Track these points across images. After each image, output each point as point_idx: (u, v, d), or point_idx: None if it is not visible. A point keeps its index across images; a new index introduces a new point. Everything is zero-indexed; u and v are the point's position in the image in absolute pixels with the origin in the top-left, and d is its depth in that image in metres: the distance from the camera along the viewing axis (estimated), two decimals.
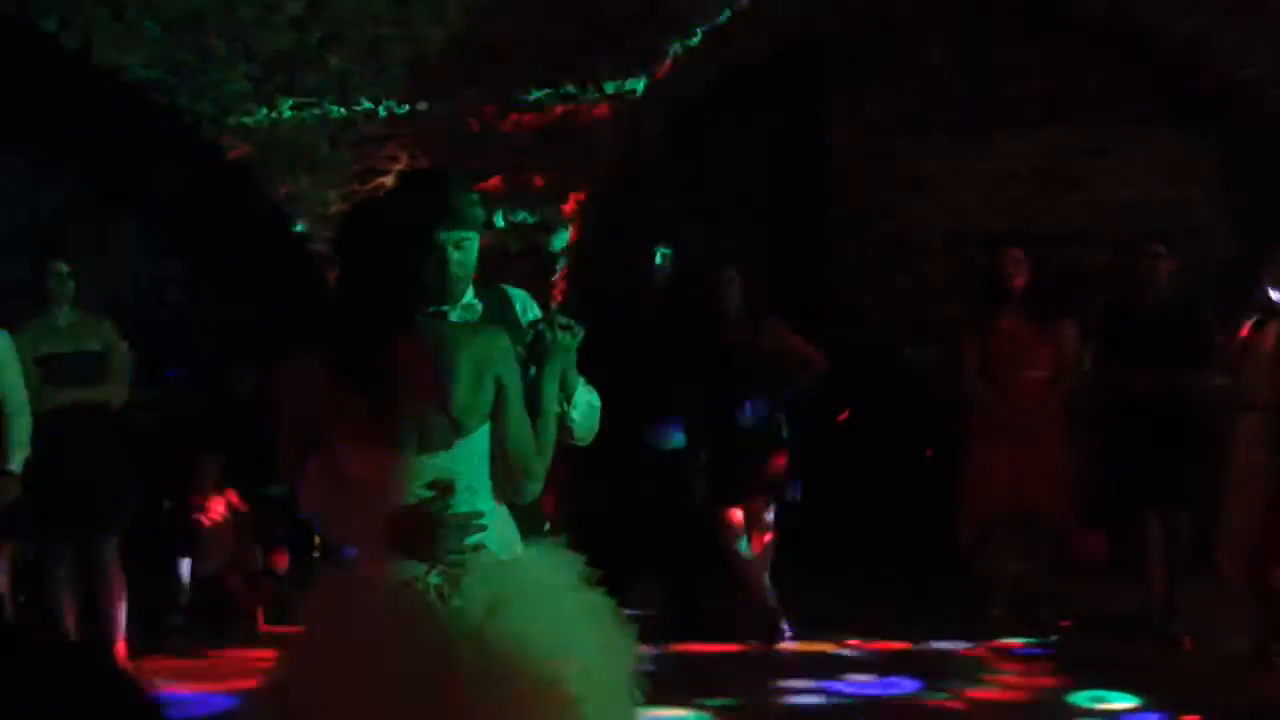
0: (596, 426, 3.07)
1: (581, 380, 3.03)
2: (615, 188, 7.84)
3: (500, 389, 2.68)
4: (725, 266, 6.33)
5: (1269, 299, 5.56)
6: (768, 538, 6.33)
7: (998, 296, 6.40)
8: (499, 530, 2.71)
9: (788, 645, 6.05)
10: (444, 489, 2.65)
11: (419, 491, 2.64)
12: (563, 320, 2.87)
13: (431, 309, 2.86)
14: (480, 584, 2.61)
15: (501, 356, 2.69)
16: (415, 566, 2.61)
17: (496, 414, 2.69)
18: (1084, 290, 7.56)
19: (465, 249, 2.90)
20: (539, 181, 7.05)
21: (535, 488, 2.78)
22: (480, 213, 2.95)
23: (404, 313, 2.67)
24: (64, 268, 5.61)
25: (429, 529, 2.62)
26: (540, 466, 2.77)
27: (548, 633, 2.63)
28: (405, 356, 2.63)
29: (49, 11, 6.03)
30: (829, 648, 6.09)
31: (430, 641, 2.54)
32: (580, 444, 3.08)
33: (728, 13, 6.97)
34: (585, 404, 3.03)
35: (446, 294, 2.91)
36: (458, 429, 2.65)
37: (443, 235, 2.86)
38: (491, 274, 6.66)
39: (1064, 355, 6.35)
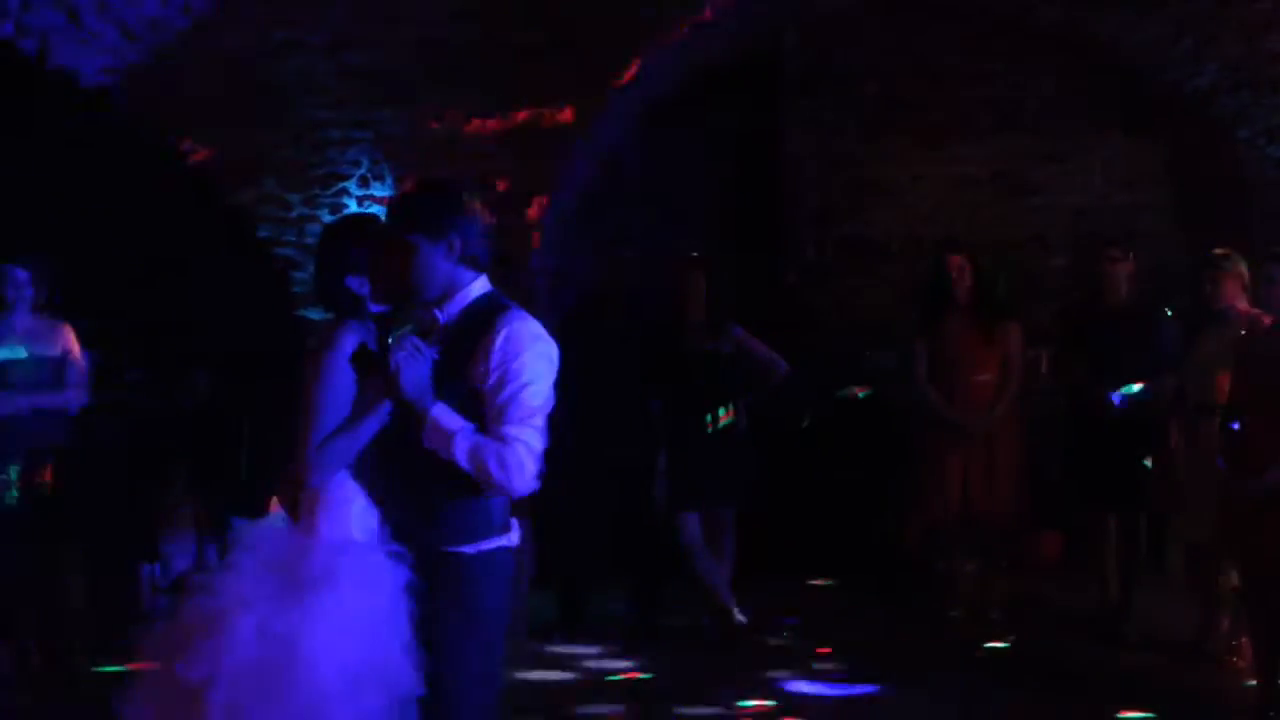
0: (503, 478, 2.93)
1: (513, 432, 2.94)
2: (577, 195, 7.87)
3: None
4: (689, 269, 6.35)
5: (1212, 304, 5.66)
6: (727, 540, 6.37)
7: (943, 302, 6.48)
8: (329, 508, 2.98)
9: (748, 647, 6.08)
10: None
11: None
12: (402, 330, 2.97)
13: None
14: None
15: (306, 355, 3.09)
16: None
17: None
18: (1040, 294, 7.69)
19: (398, 252, 3.00)
20: (502, 186, 7.07)
21: (306, 481, 3.00)
22: (409, 215, 3.03)
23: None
24: (21, 274, 5.57)
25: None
26: (305, 465, 3.00)
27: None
28: None
29: (5, 15, 5.97)
30: (788, 649, 6.14)
31: None
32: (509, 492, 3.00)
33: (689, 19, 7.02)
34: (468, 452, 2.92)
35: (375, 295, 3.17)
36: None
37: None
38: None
39: (1011, 358, 6.43)
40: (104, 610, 5.70)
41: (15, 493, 5.49)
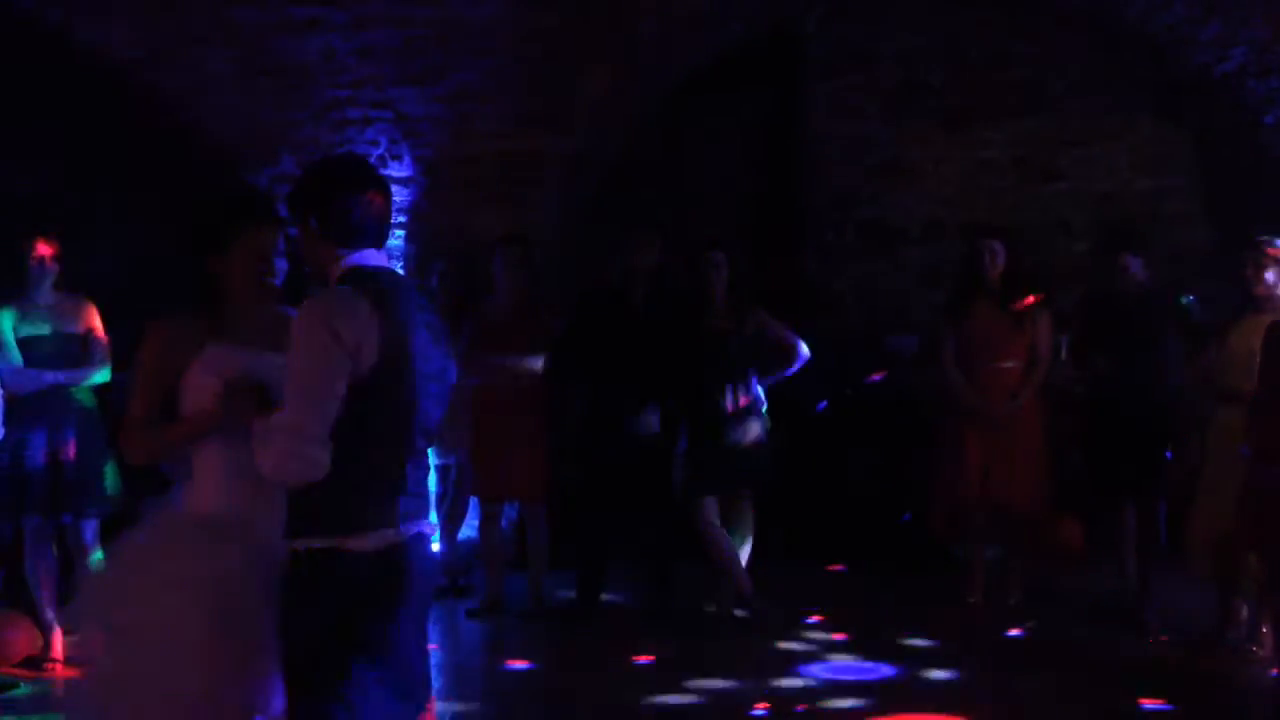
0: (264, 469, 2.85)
1: None
2: (598, 175, 7.85)
3: None
4: (712, 252, 6.32)
5: (1251, 289, 5.60)
6: (746, 524, 6.35)
7: (974, 286, 6.44)
8: (191, 483, 3.15)
9: (765, 631, 6.07)
10: None
11: None
12: None
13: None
14: None
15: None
16: None
17: None
18: (1062, 280, 7.63)
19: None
20: (520, 165, 7.06)
21: (128, 458, 3.27)
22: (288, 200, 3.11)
23: None
24: (45, 251, 5.57)
25: None
26: (124, 443, 3.23)
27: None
28: None
29: None
30: (807, 633, 6.12)
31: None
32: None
33: None
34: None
35: None
36: None
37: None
38: (477, 255, 6.70)
39: (1038, 345, 6.39)
40: None
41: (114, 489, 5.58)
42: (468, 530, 6.89)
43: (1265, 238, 5.62)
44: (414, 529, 2.92)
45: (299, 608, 2.83)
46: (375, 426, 2.84)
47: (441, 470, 6.67)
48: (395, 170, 7.05)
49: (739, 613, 6.17)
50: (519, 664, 5.78)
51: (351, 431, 2.80)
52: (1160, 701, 5.04)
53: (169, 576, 3.00)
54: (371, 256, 2.96)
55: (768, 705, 5.03)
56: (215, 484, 3.09)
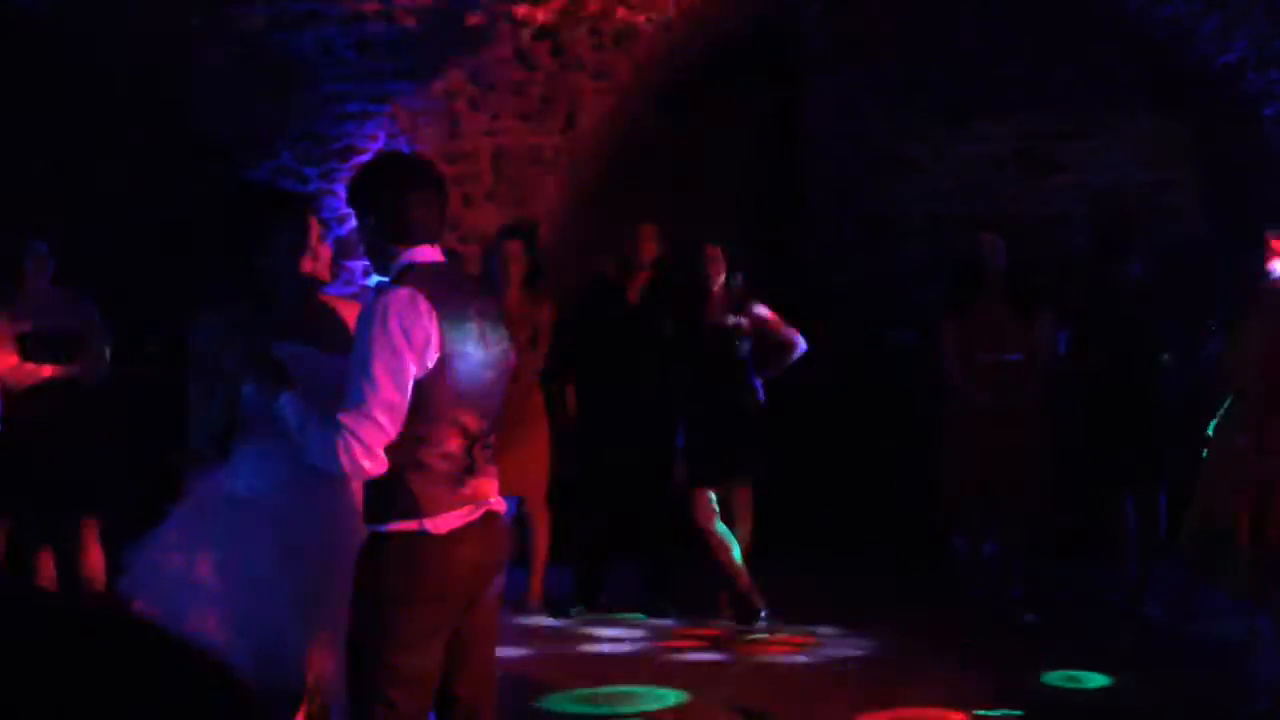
0: (325, 464, 2.94)
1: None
2: (596, 169, 7.84)
3: None
4: (710, 245, 6.31)
5: (1260, 284, 5.57)
6: (745, 518, 6.35)
7: (975, 280, 6.43)
8: (232, 461, 3.32)
9: (764, 624, 6.06)
10: None
11: None
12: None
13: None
14: None
15: None
16: None
17: None
18: (1062, 273, 7.62)
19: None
20: (519, 160, 7.04)
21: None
22: (347, 194, 3.19)
23: None
24: (43, 247, 5.56)
25: None
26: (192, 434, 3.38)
27: None
28: None
29: None
30: (806, 626, 6.12)
31: None
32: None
33: None
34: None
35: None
36: None
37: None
38: (476, 250, 6.64)
39: (1040, 339, 6.38)
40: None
41: None
42: None
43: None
44: (483, 507, 3.07)
45: (373, 586, 2.96)
46: (440, 415, 2.96)
47: None
48: None
49: (737, 607, 6.17)
50: (520, 660, 5.77)
51: (419, 421, 2.93)
52: (1159, 692, 5.04)
53: (201, 540, 3.26)
54: (427, 253, 3.06)
55: (766, 698, 5.03)
56: (246, 469, 3.28)
